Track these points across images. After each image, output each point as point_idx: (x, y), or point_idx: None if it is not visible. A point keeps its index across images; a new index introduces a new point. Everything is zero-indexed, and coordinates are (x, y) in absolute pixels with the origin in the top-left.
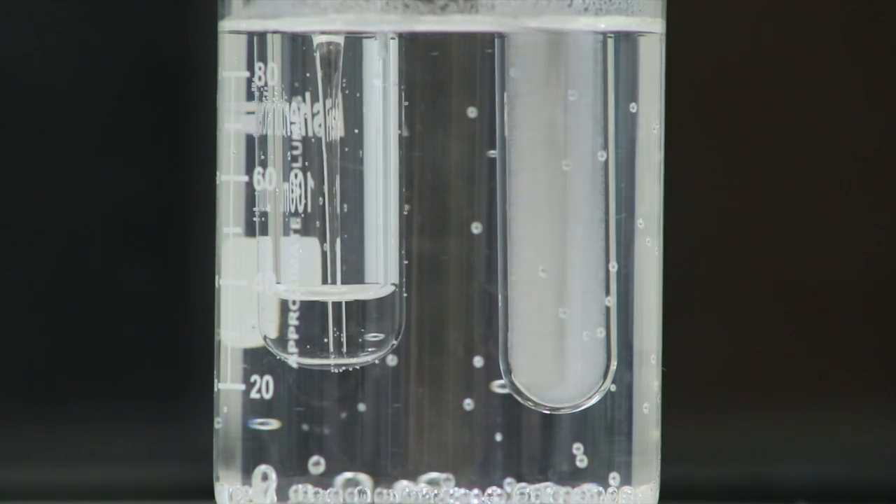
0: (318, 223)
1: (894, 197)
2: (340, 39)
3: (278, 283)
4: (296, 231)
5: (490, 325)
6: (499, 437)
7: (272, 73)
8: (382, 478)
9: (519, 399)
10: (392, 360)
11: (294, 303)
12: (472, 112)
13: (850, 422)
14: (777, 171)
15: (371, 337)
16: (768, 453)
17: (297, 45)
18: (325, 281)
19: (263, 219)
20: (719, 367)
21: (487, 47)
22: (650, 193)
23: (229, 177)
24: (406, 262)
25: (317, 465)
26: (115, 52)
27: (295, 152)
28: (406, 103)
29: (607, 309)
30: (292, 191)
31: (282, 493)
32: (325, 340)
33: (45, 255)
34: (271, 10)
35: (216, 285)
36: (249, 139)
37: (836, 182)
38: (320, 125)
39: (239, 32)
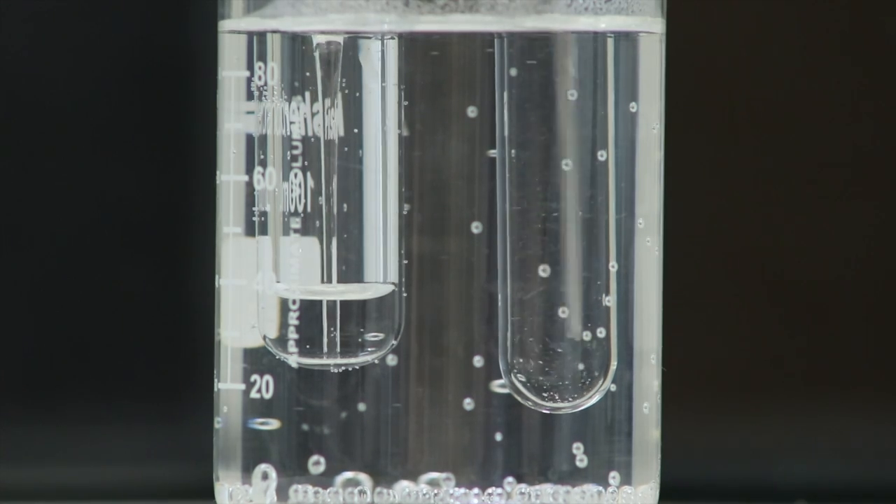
0: (317, 223)
1: (895, 197)
2: (340, 39)
3: (278, 282)
4: (295, 231)
5: (490, 325)
6: (499, 437)
7: (272, 72)
8: (382, 478)
9: (519, 399)
10: (392, 360)
11: (294, 302)
12: (472, 112)
13: (850, 422)
14: (777, 170)
15: (371, 337)
16: (768, 453)
17: (297, 44)
18: (324, 280)
19: (263, 218)
20: (719, 367)
21: (487, 47)
22: (650, 193)
23: (229, 176)
24: (406, 261)
25: (317, 464)
26: (115, 52)
27: (295, 152)
28: (406, 103)
29: (607, 309)
30: (292, 190)
31: (282, 492)
32: (325, 340)
33: (44, 255)
34: (271, 11)
35: (216, 285)
36: (249, 139)
37: (836, 182)
38: (320, 125)
39: (239, 32)
